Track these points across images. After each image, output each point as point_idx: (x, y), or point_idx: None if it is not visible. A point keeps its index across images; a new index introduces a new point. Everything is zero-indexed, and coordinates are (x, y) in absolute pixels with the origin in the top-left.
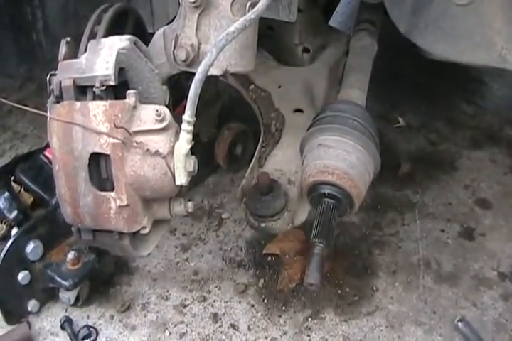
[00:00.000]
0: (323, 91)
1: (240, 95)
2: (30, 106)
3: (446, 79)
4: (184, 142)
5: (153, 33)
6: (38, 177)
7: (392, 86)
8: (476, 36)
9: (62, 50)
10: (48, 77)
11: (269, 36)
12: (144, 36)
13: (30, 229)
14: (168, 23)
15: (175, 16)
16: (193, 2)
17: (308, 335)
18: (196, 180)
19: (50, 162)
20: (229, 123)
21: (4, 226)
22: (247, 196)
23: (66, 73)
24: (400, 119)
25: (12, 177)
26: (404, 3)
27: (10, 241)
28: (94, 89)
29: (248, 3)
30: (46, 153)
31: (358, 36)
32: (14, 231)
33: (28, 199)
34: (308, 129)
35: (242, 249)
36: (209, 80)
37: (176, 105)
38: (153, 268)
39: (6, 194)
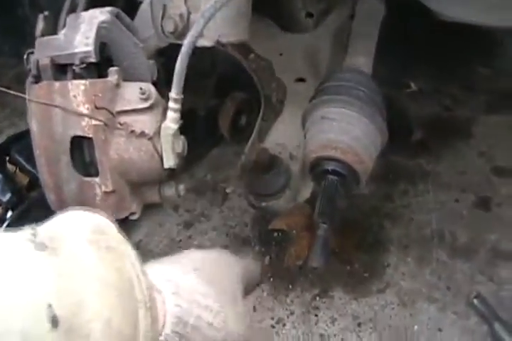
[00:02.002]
0: (327, 59)
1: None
2: None
3: (460, 40)
4: (171, 122)
5: None
6: (33, 156)
7: (402, 48)
8: None
9: (39, 25)
10: (25, 56)
11: (268, 0)
12: (136, 8)
13: (25, 212)
14: None
15: None
16: None
17: (316, 315)
18: (199, 153)
19: None
20: (232, 93)
21: None
22: (246, 173)
23: (44, 51)
24: (412, 84)
25: (7, 158)
26: None
27: (3, 225)
28: (74, 67)
29: None
30: None
31: None
32: (9, 214)
33: (23, 179)
34: (311, 100)
35: (247, 225)
36: (202, 51)
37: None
38: (156, 246)
39: None
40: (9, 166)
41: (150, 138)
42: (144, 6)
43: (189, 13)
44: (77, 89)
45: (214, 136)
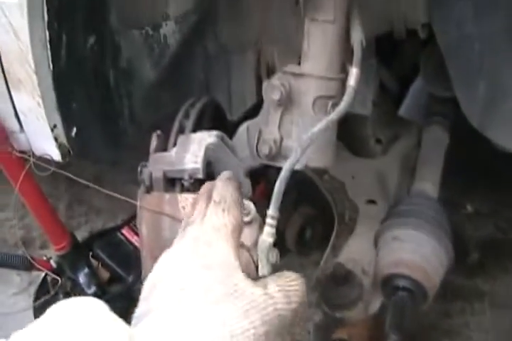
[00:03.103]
0: (395, 183)
1: (309, 180)
2: (105, 181)
3: None
4: (268, 236)
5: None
6: (115, 253)
7: (460, 169)
8: None
9: (153, 143)
10: (139, 168)
11: (342, 127)
12: (224, 123)
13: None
14: (246, 112)
15: (253, 105)
16: (277, 100)
17: None
18: None
19: (127, 239)
20: (298, 207)
21: None
22: (322, 285)
23: (157, 165)
24: (468, 206)
25: (90, 253)
26: (479, 95)
27: None
28: (182, 181)
29: (330, 103)
30: (123, 230)
31: (430, 129)
32: None
33: (104, 274)
34: (383, 222)
35: (309, 333)
36: None
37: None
38: None
39: (86, 270)
40: (92, 261)
41: (248, 250)
42: (241, 130)
43: (282, 139)
44: (186, 202)
45: (280, 247)
